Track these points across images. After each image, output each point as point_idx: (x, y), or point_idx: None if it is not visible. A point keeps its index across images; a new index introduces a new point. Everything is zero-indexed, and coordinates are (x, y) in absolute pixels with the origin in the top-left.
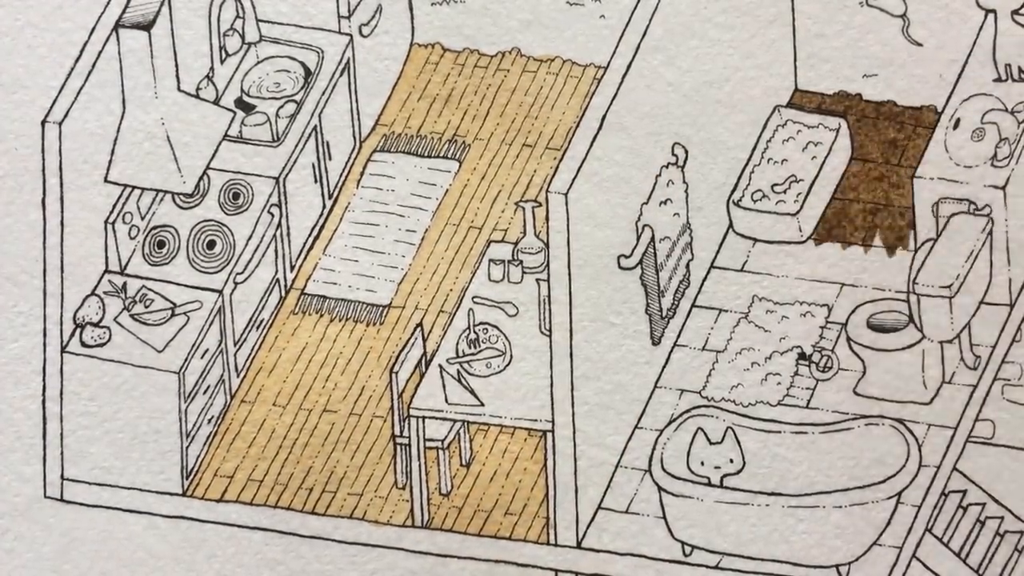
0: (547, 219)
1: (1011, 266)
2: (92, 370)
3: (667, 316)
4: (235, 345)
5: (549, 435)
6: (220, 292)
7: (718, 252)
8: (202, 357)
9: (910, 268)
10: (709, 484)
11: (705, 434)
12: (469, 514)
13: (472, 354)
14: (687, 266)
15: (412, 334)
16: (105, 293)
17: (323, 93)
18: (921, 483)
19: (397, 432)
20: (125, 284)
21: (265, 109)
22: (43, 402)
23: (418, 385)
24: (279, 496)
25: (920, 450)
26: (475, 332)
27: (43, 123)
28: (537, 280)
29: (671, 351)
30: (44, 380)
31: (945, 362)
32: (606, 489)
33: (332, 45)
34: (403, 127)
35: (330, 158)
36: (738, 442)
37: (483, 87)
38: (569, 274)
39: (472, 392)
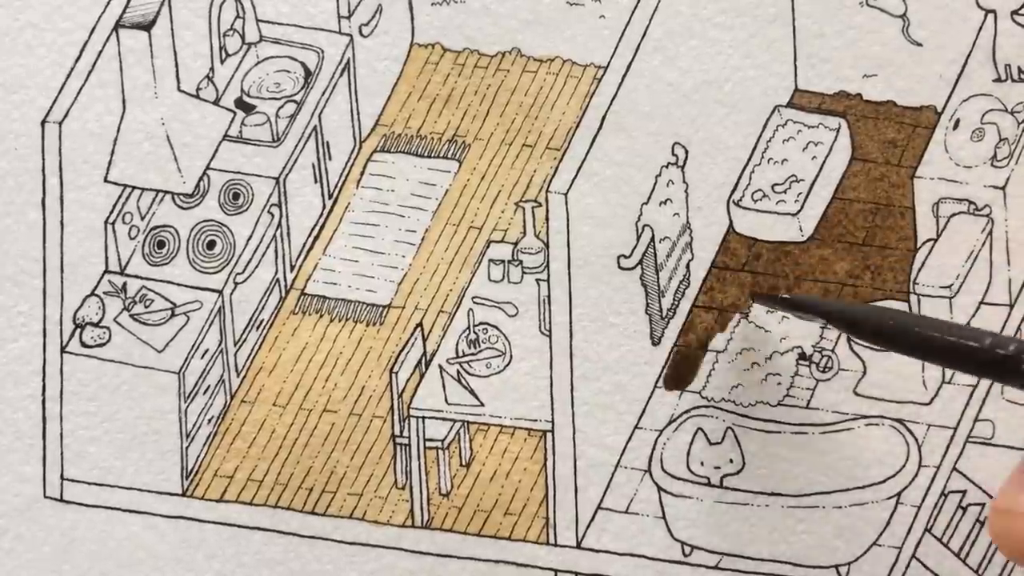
0: (547, 219)
1: (1011, 266)
2: (92, 370)
3: (667, 316)
4: (235, 345)
5: (549, 435)
6: (220, 292)
7: (718, 252)
8: (202, 357)
9: (910, 268)
10: (709, 484)
11: (705, 434)
12: (469, 514)
13: (472, 354)
14: (687, 266)
15: (412, 334)
16: (105, 293)
17: (323, 93)
18: (921, 483)
19: (397, 432)
20: (125, 284)
21: (265, 109)
22: (43, 402)
23: (418, 385)
24: (279, 496)
25: (920, 450)
26: (475, 332)
27: (43, 123)
28: (537, 280)
29: (671, 351)
30: (44, 380)
31: None
32: (606, 489)
33: (332, 45)
34: (403, 127)
35: (330, 158)
36: (738, 442)
37: (483, 87)
38: (569, 274)
39: (472, 392)
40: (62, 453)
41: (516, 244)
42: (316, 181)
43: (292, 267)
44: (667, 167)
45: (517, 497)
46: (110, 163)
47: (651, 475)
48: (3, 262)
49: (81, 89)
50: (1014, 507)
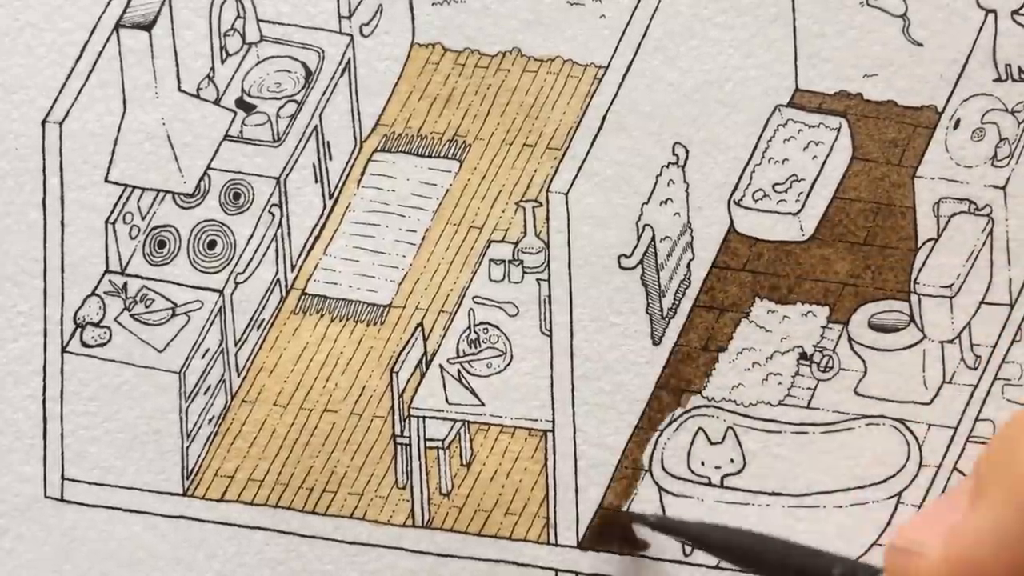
0: (547, 219)
1: (1011, 266)
2: (92, 370)
3: (668, 316)
4: (236, 345)
5: (549, 435)
6: (221, 292)
7: (719, 252)
8: (203, 357)
9: (910, 268)
10: (709, 484)
11: (705, 434)
12: (469, 514)
13: (472, 354)
14: (688, 266)
15: (412, 334)
16: (105, 293)
17: (323, 93)
18: (921, 483)
19: (397, 432)
20: (126, 284)
21: (266, 109)
22: (43, 402)
23: (418, 385)
24: (280, 496)
25: (920, 450)
26: (475, 332)
27: (43, 123)
28: (537, 280)
29: (672, 351)
30: (44, 380)
31: (945, 362)
32: (606, 489)
33: (332, 45)
34: (403, 127)
35: (330, 158)
36: (739, 442)
37: (483, 87)
38: (569, 274)
39: (472, 392)
40: (63, 453)
41: (517, 244)
42: (317, 181)
43: (293, 267)
44: (668, 167)
45: (518, 497)
46: (110, 163)
47: (652, 475)
48: (3, 262)
49: (81, 89)
50: (911, 547)
